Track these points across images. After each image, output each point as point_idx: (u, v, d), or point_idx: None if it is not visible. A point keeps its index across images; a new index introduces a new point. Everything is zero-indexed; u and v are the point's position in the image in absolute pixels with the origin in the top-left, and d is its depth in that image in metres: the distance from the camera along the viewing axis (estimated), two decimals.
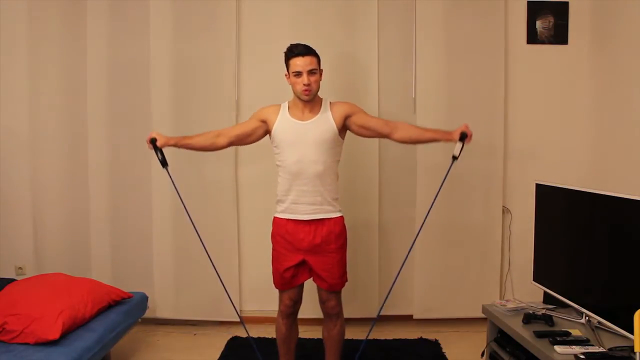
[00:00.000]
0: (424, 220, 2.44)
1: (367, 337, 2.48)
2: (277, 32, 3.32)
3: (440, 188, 2.43)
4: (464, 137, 2.34)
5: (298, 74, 2.34)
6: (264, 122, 2.47)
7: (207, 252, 2.43)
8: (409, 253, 2.46)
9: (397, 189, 3.43)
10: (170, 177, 2.44)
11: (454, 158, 2.36)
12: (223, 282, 2.52)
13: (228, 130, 2.53)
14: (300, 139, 2.38)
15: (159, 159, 2.43)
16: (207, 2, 3.33)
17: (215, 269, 2.48)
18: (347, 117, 2.43)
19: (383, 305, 2.52)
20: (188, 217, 2.44)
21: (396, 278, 2.47)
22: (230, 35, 3.34)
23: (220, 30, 3.34)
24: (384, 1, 3.34)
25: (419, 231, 2.46)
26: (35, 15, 3.40)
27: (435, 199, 2.42)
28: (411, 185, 3.37)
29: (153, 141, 2.43)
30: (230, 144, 2.52)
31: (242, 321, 2.51)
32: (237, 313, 2.56)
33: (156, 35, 3.33)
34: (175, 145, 2.47)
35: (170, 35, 3.34)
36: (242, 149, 3.37)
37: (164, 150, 2.45)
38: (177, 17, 3.34)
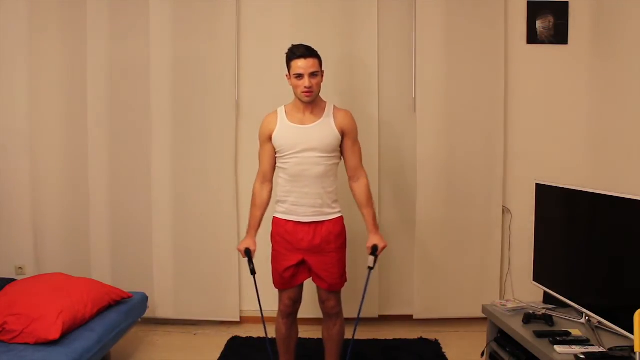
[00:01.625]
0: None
1: (352, 336, 2.48)
2: (277, 32, 3.32)
3: (364, 294, 2.49)
4: (374, 250, 2.42)
5: (299, 76, 2.33)
6: (270, 138, 2.45)
7: (259, 300, 2.49)
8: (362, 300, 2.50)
9: (397, 189, 3.43)
10: (256, 285, 2.47)
11: (370, 269, 2.43)
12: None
13: (263, 175, 2.51)
14: (302, 142, 2.37)
15: (250, 268, 2.46)
16: (207, 2, 3.33)
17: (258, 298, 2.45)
18: (342, 133, 2.43)
19: (361, 306, 2.50)
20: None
21: (367, 281, 2.48)
22: (230, 35, 3.34)
23: (220, 30, 3.34)
24: (384, 1, 3.34)
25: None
26: (35, 15, 3.40)
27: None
28: (411, 185, 3.37)
29: (247, 252, 2.46)
30: (272, 178, 2.54)
31: (264, 321, 2.50)
32: (261, 313, 2.55)
33: (156, 35, 3.33)
34: (256, 234, 2.52)
35: (170, 35, 3.34)
36: (241, 148, 3.37)
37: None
38: (177, 17, 3.34)
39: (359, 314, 2.51)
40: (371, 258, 2.43)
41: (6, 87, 3.41)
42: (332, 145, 2.40)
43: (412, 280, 3.40)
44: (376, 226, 2.51)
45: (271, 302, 2.61)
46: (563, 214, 2.55)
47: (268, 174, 2.51)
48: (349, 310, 2.66)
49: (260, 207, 2.52)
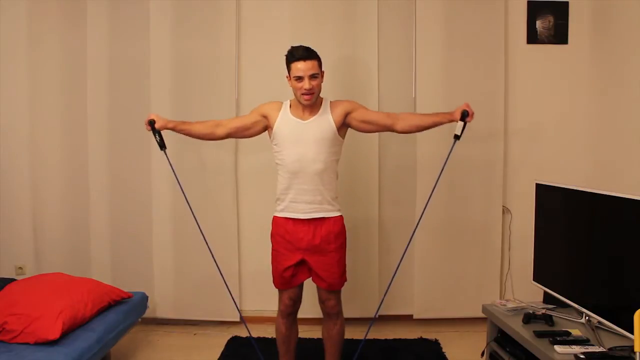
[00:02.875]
0: (425, 209, 2.45)
1: (365, 337, 2.48)
2: (277, 32, 3.32)
3: (443, 168, 2.43)
4: (464, 115, 2.33)
5: (299, 78, 2.33)
6: (264, 117, 2.47)
7: (210, 251, 2.42)
8: (407, 248, 2.46)
9: (397, 188, 3.43)
10: (169, 160, 2.44)
11: (456, 137, 2.35)
12: (225, 280, 2.50)
13: (227, 122, 2.54)
14: (301, 137, 2.38)
15: (157, 141, 2.42)
16: (207, 2, 3.33)
17: (219, 269, 2.46)
18: (347, 114, 2.44)
19: (380, 305, 2.52)
20: (189, 208, 2.46)
21: (392, 278, 2.47)
22: (230, 35, 3.34)
23: (220, 30, 3.34)
24: (384, 1, 3.34)
25: (420, 219, 2.46)
26: (35, 15, 3.40)
27: (438, 179, 2.42)
28: (411, 185, 3.37)
29: (151, 123, 2.43)
30: (228, 135, 2.53)
31: (243, 320, 2.51)
32: (238, 311, 2.56)
33: (156, 35, 3.34)
34: (173, 129, 2.48)
35: (170, 35, 3.34)
36: (242, 146, 3.37)
37: (163, 133, 2.46)
38: (177, 17, 3.34)
39: (377, 311, 2.48)
40: (459, 124, 2.32)
41: (6, 87, 3.40)
42: (329, 139, 2.40)
43: (412, 280, 3.40)
44: (447, 113, 2.41)
45: (271, 302, 2.62)
46: (563, 214, 2.55)
47: (229, 124, 2.51)
48: (349, 310, 2.66)
49: (199, 127, 2.49)
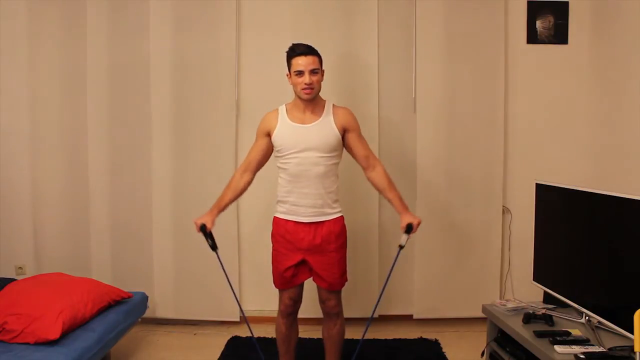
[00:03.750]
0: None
1: (362, 336, 2.48)
2: (277, 32, 3.32)
3: (391, 269, 2.46)
4: (409, 229, 2.38)
5: (300, 73, 2.33)
6: (268, 135, 2.45)
7: (227, 277, 2.46)
8: (388, 277, 2.49)
9: (397, 188, 3.42)
10: (220, 260, 2.43)
11: (400, 247, 2.39)
12: (229, 281, 2.51)
13: (247, 164, 2.51)
14: (302, 142, 2.37)
15: (209, 244, 2.40)
16: (207, 2, 3.33)
17: (224, 271, 2.46)
18: (344, 130, 2.44)
19: (376, 306, 2.51)
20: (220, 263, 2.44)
21: (386, 282, 2.49)
22: (230, 35, 3.34)
23: (220, 30, 3.34)
24: (384, 1, 3.34)
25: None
26: (35, 15, 3.40)
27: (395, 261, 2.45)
28: (411, 185, 3.37)
29: (203, 228, 2.39)
30: (256, 171, 2.53)
31: (246, 319, 2.51)
32: (241, 310, 2.55)
33: (156, 35, 3.34)
34: (218, 214, 2.45)
35: (170, 35, 3.34)
36: (242, 146, 3.36)
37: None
38: (177, 17, 3.34)
39: (372, 313, 2.49)
40: (404, 236, 2.37)
41: (6, 87, 3.40)
42: (332, 144, 2.40)
43: (412, 280, 3.40)
44: (405, 206, 2.45)
45: (271, 301, 2.62)
46: (563, 214, 2.55)
47: (251, 165, 2.50)
48: (349, 310, 2.66)
49: (233, 190, 2.48)
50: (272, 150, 2.50)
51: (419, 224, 2.39)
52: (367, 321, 2.49)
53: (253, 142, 2.56)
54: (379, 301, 2.49)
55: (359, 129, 2.49)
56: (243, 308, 3.45)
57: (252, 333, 2.52)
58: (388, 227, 3.40)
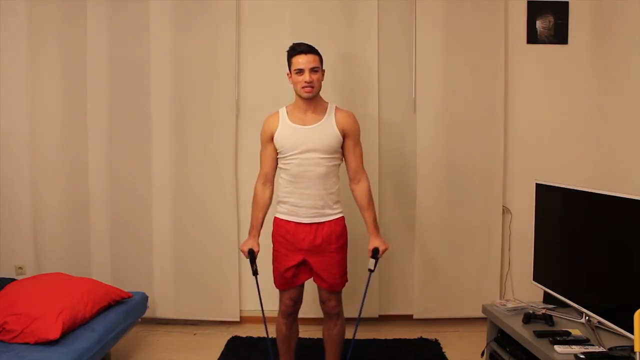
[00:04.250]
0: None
1: (353, 336, 2.49)
2: (277, 32, 3.32)
3: (364, 296, 2.53)
4: (375, 253, 2.42)
5: (300, 71, 2.33)
6: (272, 138, 2.45)
7: (260, 302, 2.53)
8: (362, 303, 2.53)
9: (397, 189, 3.43)
10: (258, 286, 2.47)
11: (370, 271, 2.44)
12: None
13: (265, 176, 2.51)
14: (303, 143, 2.37)
15: (253, 269, 2.46)
16: (207, 2, 3.33)
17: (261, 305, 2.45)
18: (344, 134, 2.43)
19: (361, 307, 2.53)
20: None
21: (367, 284, 2.51)
22: (230, 35, 3.34)
23: (220, 30, 3.34)
24: (384, 1, 3.34)
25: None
26: (35, 15, 3.40)
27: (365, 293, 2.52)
28: (411, 186, 3.37)
29: (251, 253, 2.45)
30: (274, 181, 2.53)
31: (265, 323, 2.52)
32: (262, 314, 2.56)
33: (156, 35, 3.34)
34: (259, 235, 2.51)
35: (170, 35, 3.34)
36: (243, 146, 3.37)
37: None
38: (177, 17, 3.34)
39: (359, 315, 2.52)
40: (372, 261, 2.44)
41: (6, 87, 3.40)
42: (333, 146, 2.39)
43: (412, 280, 3.40)
44: (377, 228, 2.50)
45: (272, 302, 2.62)
46: (563, 214, 2.55)
47: (270, 175, 2.51)
48: (350, 310, 2.66)
49: (262, 207, 2.51)
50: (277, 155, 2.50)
51: (385, 250, 2.45)
52: (356, 321, 2.51)
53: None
54: (362, 304, 2.53)
55: (358, 136, 2.48)
56: (243, 308, 3.47)
57: (267, 334, 2.55)
58: (388, 228, 3.39)
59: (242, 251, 2.49)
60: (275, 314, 2.59)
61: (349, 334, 2.60)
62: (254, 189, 2.53)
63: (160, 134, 3.38)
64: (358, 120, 2.50)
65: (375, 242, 2.45)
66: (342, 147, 2.46)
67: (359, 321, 2.51)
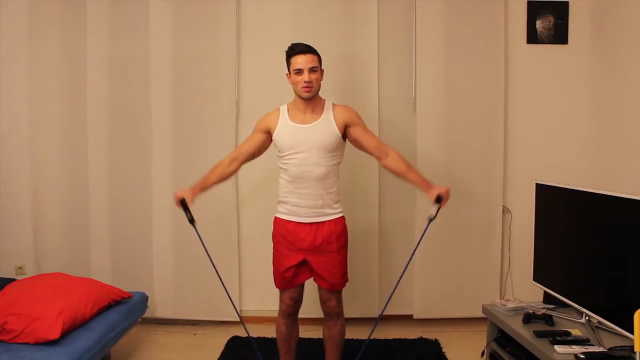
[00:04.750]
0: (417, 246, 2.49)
1: (369, 337, 2.48)
2: (277, 32, 3.31)
3: (417, 245, 2.49)
4: (439, 200, 2.35)
5: (299, 71, 2.33)
6: (267, 132, 2.46)
7: (207, 252, 2.42)
8: (412, 255, 2.48)
9: (397, 189, 3.42)
10: (198, 234, 2.44)
11: (430, 219, 2.37)
12: (222, 280, 2.51)
13: (237, 155, 2.52)
14: (302, 142, 2.37)
15: (187, 217, 2.42)
16: (207, 2, 3.33)
17: (216, 271, 2.46)
18: (346, 126, 2.43)
19: (386, 306, 2.52)
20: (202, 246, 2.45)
21: (399, 281, 2.48)
22: (230, 35, 3.34)
23: (220, 30, 3.34)
24: (384, 1, 3.34)
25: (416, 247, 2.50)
26: (35, 15, 3.40)
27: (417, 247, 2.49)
28: (411, 186, 3.35)
29: (183, 202, 2.41)
30: (243, 163, 2.53)
31: (242, 320, 2.51)
32: (236, 311, 2.56)
33: (156, 35, 3.34)
34: (200, 192, 2.47)
35: (170, 35, 3.34)
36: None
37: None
38: (177, 17, 3.34)
39: (388, 300, 2.49)
40: (434, 207, 2.34)
41: (6, 87, 3.40)
42: (332, 144, 2.39)
43: (412, 280, 3.40)
44: (429, 182, 2.42)
45: (272, 301, 2.62)
46: (563, 214, 2.55)
47: (241, 156, 2.50)
48: (350, 310, 2.66)
49: (218, 174, 2.48)
50: (266, 147, 2.51)
51: (447, 192, 2.34)
52: (375, 321, 2.50)
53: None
54: (391, 295, 2.51)
55: (362, 122, 2.48)
56: (243, 308, 3.47)
57: (247, 331, 2.53)
58: (388, 228, 3.40)
59: (175, 197, 2.42)
60: (276, 314, 2.58)
61: (350, 334, 2.60)
62: (221, 161, 2.51)
63: (160, 134, 3.38)
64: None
65: (436, 190, 2.34)
66: (352, 136, 2.44)
67: (378, 321, 2.47)
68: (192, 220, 2.42)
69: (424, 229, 2.42)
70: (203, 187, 2.47)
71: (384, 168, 2.52)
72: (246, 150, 2.50)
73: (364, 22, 3.32)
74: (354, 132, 2.44)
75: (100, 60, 3.38)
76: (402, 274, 2.47)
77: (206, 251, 2.45)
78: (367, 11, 3.31)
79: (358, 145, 2.49)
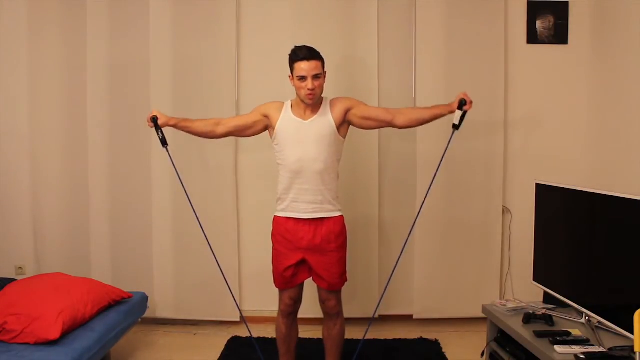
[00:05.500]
0: (423, 203, 2.47)
1: (364, 337, 2.49)
2: (277, 33, 3.32)
3: (442, 157, 2.44)
4: (462, 104, 2.28)
5: (302, 78, 2.33)
6: (265, 117, 2.47)
7: (211, 248, 2.41)
8: (405, 244, 2.47)
9: (397, 187, 3.43)
10: (170, 157, 2.44)
11: (455, 127, 2.32)
12: (226, 279, 2.50)
13: (228, 120, 2.54)
14: (302, 137, 2.39)
15: (159, 137, 2.43)
16: (207, 2, 3.33)
17: (219, 266, 2.46)
18: (347, 111, 2.44)
19: (378, 305, 2.52)
20: (190, 206, 2.45)
21: (390, 277, 2.47)
22: (230, 35, 3.34)
23: (220, 30, 3.34)
24: (384, 1, 3.34)
25: (417, 216, 2.50)
26: (35, 15, 3.40)
27: (438, 169, 2.44)
28: (411, 184, 3.37)
29: (154, 119, 2.43)
30: (228, 134, 2.54)
31: (244, 319, 2.51)
32: (239, 310, 2.56)
33: (156, 35, 3.34)
34: (175, 126, 2.48)
35: (170, 35, 3.34)
36: (243, 145, 3.37)
37: (164, 130, 2.46)
38: (177, 17, 3.34)
39: (384, 291, 2.48)
40: (458, 113, 2.26)
41: (6, 87, 3.41)
42: (330, 139, 2.40)
43: (412, 280, 3.40)
44: (446, 104, 2.38)
45: (271, 301, 2.62)
46: (563, 214, 2.55)
47: (230, 123, 2.51)
48: (350, 310, 2.66)
49: (200, 125, 2.49)
50: (257, 130, 2.51)
51: (466, 95, 2.29)
52: (369, 320, 2.49)
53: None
54: (381, 297, 2.50)
55: (362, 102, 2.48)
56: (243, 308, 3.47)
57: (249, 331, 2.53)
58: (388, 227, 3.40)
59: (147, 119, 2.44)
60: (275, 314, 2.59)
61: (349, 334, 2.60)
62: (213, 118, 2.53)
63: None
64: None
65: (457, 99, 2.28)
66: (358, 117, 2.44)
67: (372, 321, 2.48)
68: (164, 143, 2.43)
69: (450, 137, 2.34)
70: (180, 122, 2.48)
71: (403, 128, 2.48)
72: (237, 122, 2.53)
73: (364, 21, 3.32)
74: (359, 111, 2.44)
75: (100, 60, 3.39)
76: (396, 263, 2.47)
77: (190, 204, 2.46)
78: (367, 11, 3.31)
79: (367, 122, 2.46)
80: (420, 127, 3.28)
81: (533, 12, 3.36)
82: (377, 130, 3.31)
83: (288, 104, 2.48)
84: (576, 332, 2.24)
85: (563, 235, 2.54)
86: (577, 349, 2.04)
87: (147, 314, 3.06)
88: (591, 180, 3.12)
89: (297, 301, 2.53)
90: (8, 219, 3.43)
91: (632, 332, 1.78)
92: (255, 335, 3.21)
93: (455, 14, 3.30)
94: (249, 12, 3.37)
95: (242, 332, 3.29)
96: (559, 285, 2.53)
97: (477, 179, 3.36)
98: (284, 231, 2.45)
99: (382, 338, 3.20)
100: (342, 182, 2.55)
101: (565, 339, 2.15)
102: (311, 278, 2.49)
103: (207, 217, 3.35)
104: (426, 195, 2.45)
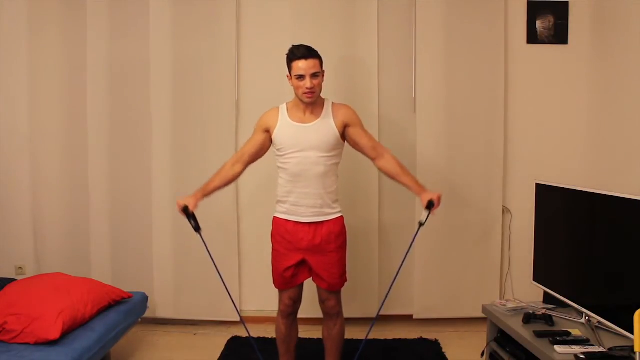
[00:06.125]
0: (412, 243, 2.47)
1: (366, 336, 2.48)
2: (277, 33, 3.32)
3: (410, 247, 2.47)
4: (430, 205, 2.33)
5: (301, 77, 2.33)
6: (267, 131, 2.46)
7: (208, 251, 2.41)
8: (404, 259, 2.46)
9: (397, 189, 3.39)
10: (204, 242, 2.39)
11: (420, 224, 2.36)
12: (224, 281, 2.50)
13: (240, 156, 2.51)
14: (302, 141, 2.37)
15: (192, 225, 2.36)
16: (207, 2, 3.33)
17: (217, 271, 2.46)
18: (345, 126, 2.43)
19: (382, 305, 2.52)
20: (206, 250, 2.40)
21: (394, 279, 2.47)
22: (230, 35, 3.34)
23: (220, 30, 3.34)
24: (384, 1, 3.34)
25: (410, 246, 2.48)
26: (35, 15, 3.40)
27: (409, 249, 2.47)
28: None
29: (186, 209, 2.36)
30: (248, 165, 2.52)
31: (242, 320, 2.51)
32: (237, 312, 2.56)
33: (156, 35, 3.34)
34: (203, 198, 2.42)
35: (170, 35, 3.34)
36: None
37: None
38: (177, 17, 3.34)
39: (384, 300, 2.48)
40: (425, 213, 2.33)
41: (6, 87, 3.40)
42: (331, 144, 2.39)
43: (412, 280, 3.40)
44: (422, 186, 2.43)
45: (271, 301, 2.62)
46: (563, 214, 2.55)
47: (244, 157, 2.49)
48: (350, 310, 2.66)
49: (221, 179, 2.46)
50: (268, 146, 2.50)
51: (439, 198, 2.34)
52: (372, 321, 2.50)
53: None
54: (386, 298, 2.50)
55: (361, 123, 2.48)
56: (243, 308, 3.47)
57: (247, 331, 2.52)
58: (388, 227, 3.40)
59: (178, 205, 2.36)
60: (275, 314, 2.58)
61: (349, 334, 2.60)
62: (224, 164, 2.50)
63: (160, 134, 3.38)
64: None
65: (427, 195, 2.34)
66: (350, 136, 2.45)
67: (375, 321, 2.47)
68: (197, 229, 2.36)
69: (414, 234, 2.42)
70: (205, 192, 2.44)
71: (378, 170, 2.53)
72: (249, 150, 2.50)
73: (364, 22, 3.32)
74: (352, 132, 2.45)
75: (100, 59, 3.38)
76: (395, 278, 2.47)
77: (211, 258, 2.41)
78: (367, 11, 3.31)
79: (355, 145, 2.49)
80: (420, 127, 3.34)
81: (533, 12, 3.35)
82: (377, 130, 3.32)
83: (284, 107, 2.46)
84: (576, 332, 2.24)
85: (563, 235, 2.54)
86: (577, 349, 2.04)
87: (147, 314, 3.06)
88: (591, 180, 3.12)
89: (296, 301, 2.53)
90: (8, 219, 3.43)
91: (632, 332, 1.78)
92: (255, 335, 3.22)
93: (455, 14, 3.30)
94: (249, 12, 3.37)
95: (242, 332, 3.29)
96: (559, 285, 2.53)
97: (477, 179, 3.36)
98: (284, 232, 2.45)
99: (382, 338, 3.19)
100: (343, 183, 2.54)
101: (565, 339, 2.15)
102: (311, 278, 2.49)
103: (207, 217, 3.36)
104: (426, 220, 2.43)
